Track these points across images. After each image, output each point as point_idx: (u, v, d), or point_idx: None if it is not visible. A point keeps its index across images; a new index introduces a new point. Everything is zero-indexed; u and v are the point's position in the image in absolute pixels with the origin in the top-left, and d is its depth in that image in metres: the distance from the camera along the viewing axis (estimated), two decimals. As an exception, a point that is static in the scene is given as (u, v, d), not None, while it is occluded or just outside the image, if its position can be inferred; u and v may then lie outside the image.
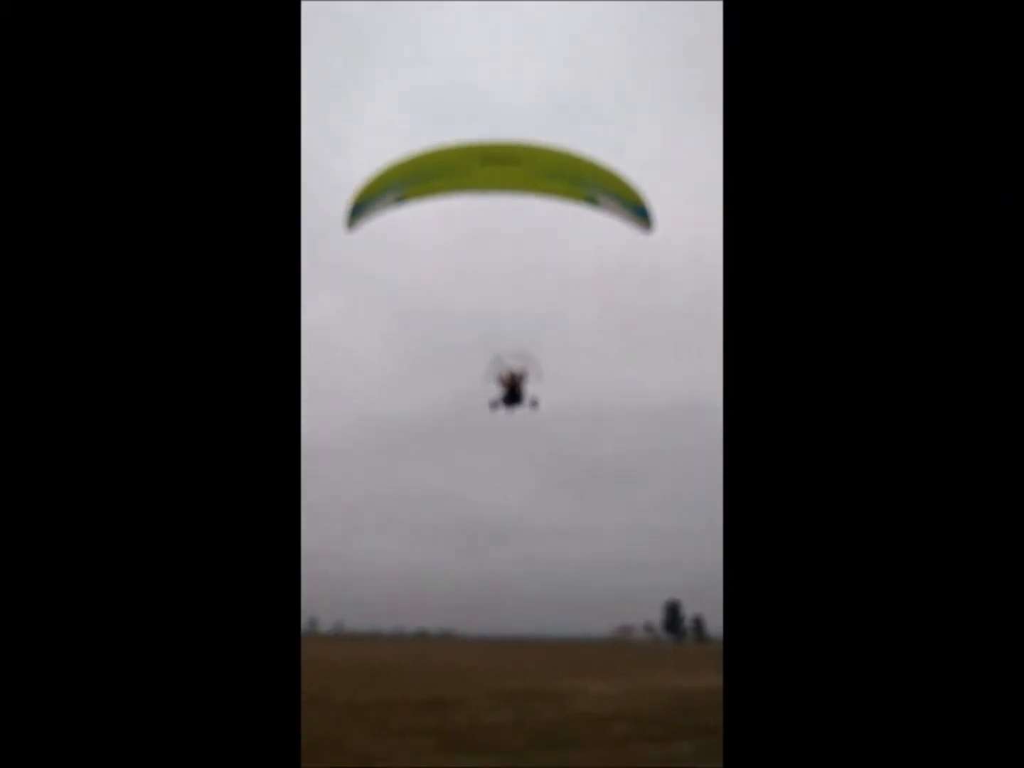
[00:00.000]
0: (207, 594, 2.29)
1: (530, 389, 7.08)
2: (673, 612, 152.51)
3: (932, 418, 2.21)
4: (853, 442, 2.23)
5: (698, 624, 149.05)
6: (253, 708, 2.19)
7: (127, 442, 2.28)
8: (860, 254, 2.33)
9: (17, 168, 2.24)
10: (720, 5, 2.35)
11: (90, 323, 2.25)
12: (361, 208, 6.07)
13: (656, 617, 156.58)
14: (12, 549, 2.17)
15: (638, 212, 6.10)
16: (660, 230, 6.32)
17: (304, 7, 2.51)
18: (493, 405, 7.20)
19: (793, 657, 2.18)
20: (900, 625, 2.12)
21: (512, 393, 7.13)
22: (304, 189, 2.74)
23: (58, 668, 2.16)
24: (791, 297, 2.34)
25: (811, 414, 2.27)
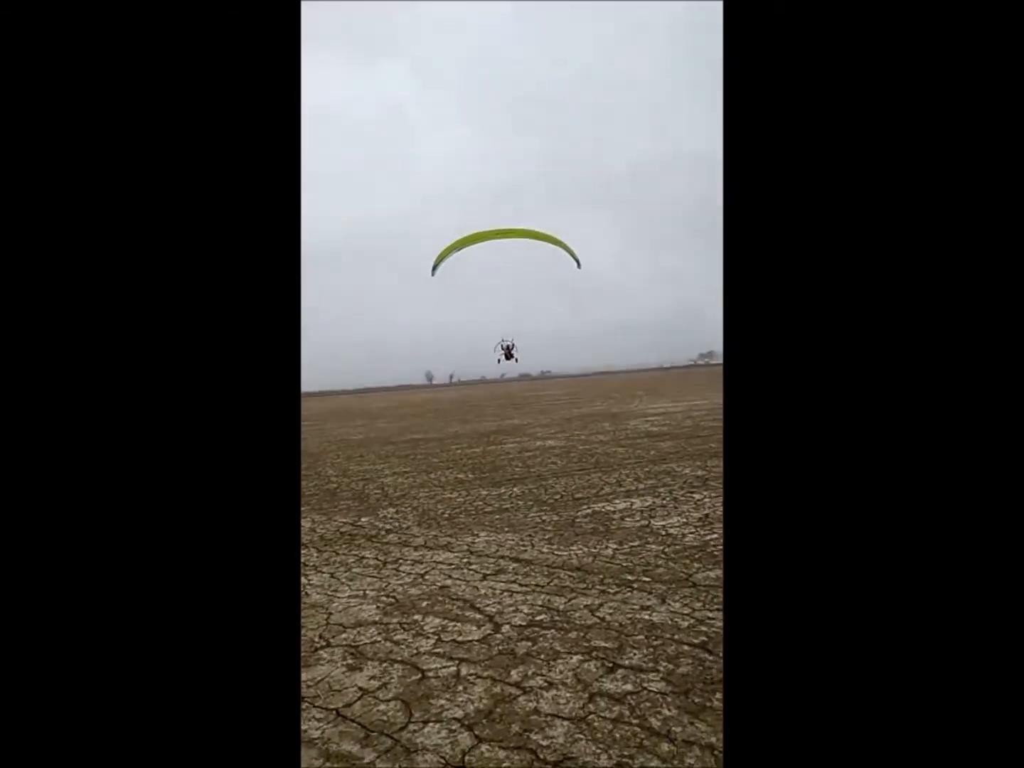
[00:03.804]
0: (201, 579, 2.18)
1: (515, 354, 13.45)
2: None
3: (946, 403, 1.99)
4: (860, 435, 2.04)
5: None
6: (252, 706, 2.16)
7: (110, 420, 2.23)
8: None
9: (16, 160, 2.20)
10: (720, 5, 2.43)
11: (87, 298, 2.21)
12: (437, 265, 11.59)
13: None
14: (9, 545, 2.15)
15: (575, 259, 12.06)
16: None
17: (304, 7, 2.70)
18: (499, 360, 13.47)
19: (797, 654, 2.06)
20: (903, 628, 1.97)
21: (507, 355, 13.44)
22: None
23: (46, 628, 2.10)
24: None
25: (816, 393, 2.06)
